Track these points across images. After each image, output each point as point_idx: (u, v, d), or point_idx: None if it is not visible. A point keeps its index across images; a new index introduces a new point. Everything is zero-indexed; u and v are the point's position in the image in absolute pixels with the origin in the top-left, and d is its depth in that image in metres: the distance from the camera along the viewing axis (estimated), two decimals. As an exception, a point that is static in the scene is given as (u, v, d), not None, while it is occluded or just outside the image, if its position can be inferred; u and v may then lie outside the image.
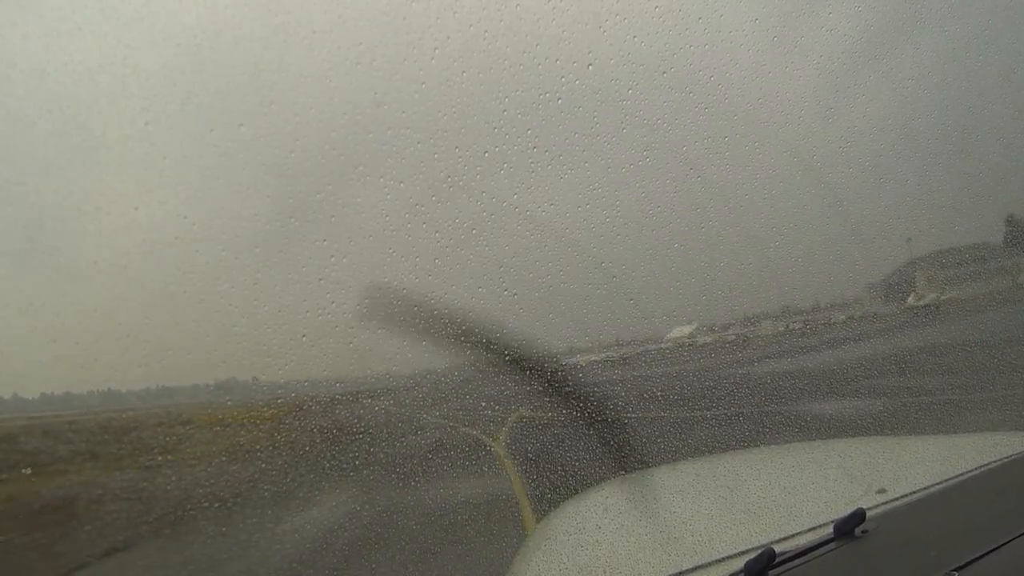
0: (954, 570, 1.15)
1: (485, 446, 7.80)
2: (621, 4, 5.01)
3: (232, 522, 4.96)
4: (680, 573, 1.39)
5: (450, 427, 9.02)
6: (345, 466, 6.41)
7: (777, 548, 1.30)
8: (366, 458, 6.47)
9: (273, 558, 4.52)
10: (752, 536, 1.50)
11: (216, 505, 5.37)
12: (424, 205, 4.78)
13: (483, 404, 9.72)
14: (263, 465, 6.40)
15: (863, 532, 1.37)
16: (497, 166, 4.80)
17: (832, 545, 1.34)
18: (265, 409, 5.79)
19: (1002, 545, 1.22)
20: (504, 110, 4.64)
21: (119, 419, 8.05)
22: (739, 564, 1.31)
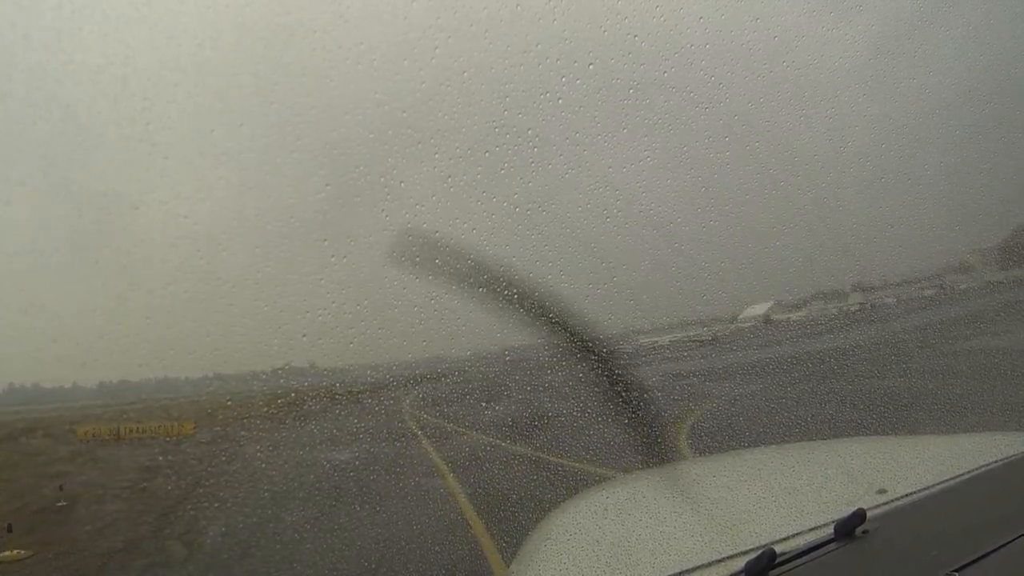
0: (954, 571, 1.15)
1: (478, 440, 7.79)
2: (621, 4, 5.01)
3: (233, 523, 4.96)
4: (680, 573, 1.39)
5: (448, 428, 9.02)
6: (345, 466, 6.42)
7: (778, 548, 1.29)
8: (366, 457, 6.48)
9: (274, 557, 4.52)
10: (752, 536, 1.50)
11: (216, 505, 5.37)
12: (425, 205, 4.77)
13: (483, 404, 9.73)
14: (263, 465, 6.40)
15: (863, 532, 1.36)
16: (498, 166, 4.79)
17: (833, 545, 1.34)
18: (265, 407, 5.79)
19: (1002, 546, 1.22)
20: (505, 110, 4.64)
21: (119, 417, 8.07)
22: (739, 564, 1.31)
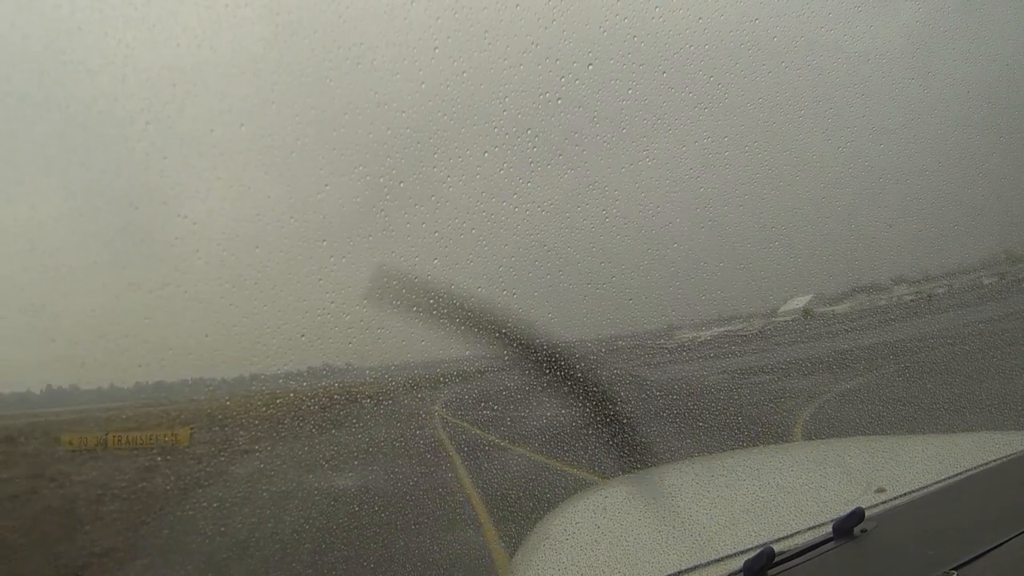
0: (953, 569, 1.15)
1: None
2: (621, 4, 5.01)
3: (231, 521, 4.96)
4: (680, 573, 1.39)
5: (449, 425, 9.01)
6: (343, 466, 6.42)
7: (776, 547, 1.30)
8: (364, 457, 6.48)
9: (274, 557, 4.52)
10: (751, 535, 1.50)
11: (215, 504, 5.36)
12: (424, 205, 4.78)
13: (481, 404, 9.73)
14: (261, 465, 6.40)
15: (862, 531, 1.37)
16: (497, 166, 4.80)
17: (831, 544, 1.34)
18: (264, 408, 5.79)
19: (1001, 544, 1.22)
20: (504, 110, 4.65)
21: (118, 417, 8.04)
22: (738, 563, 1.31)
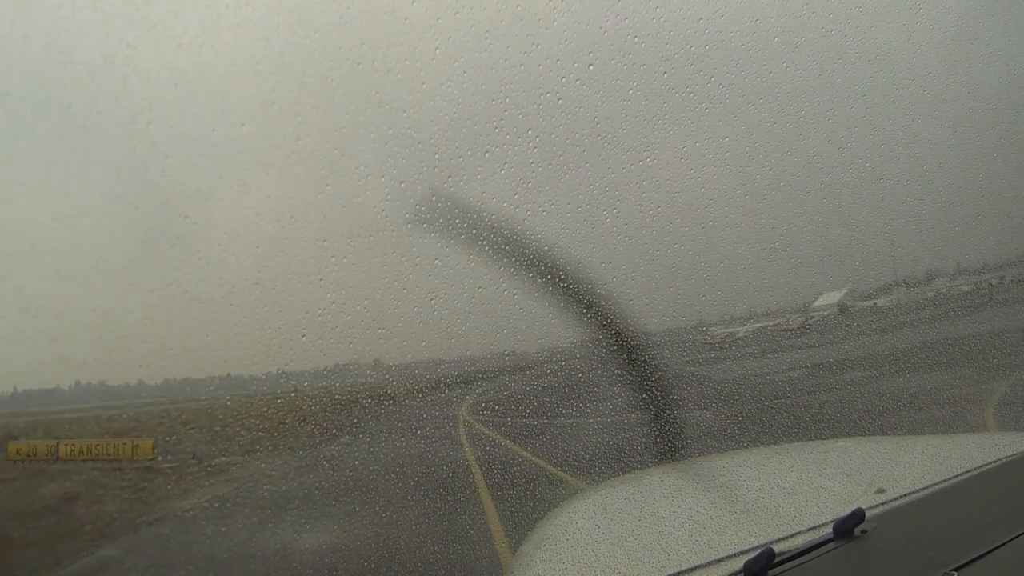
0: (953, 570, 1.16)
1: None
2: (621, 4, 5.02)
3: (232, 522, 4.96)
4: (680, 573, 1.39)
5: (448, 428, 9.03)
6: (344, 466, 6.42)
7: (776, 548, 1.30)
8: (365, 457, 6.48)
9: (273, 558, 4.52)
10: (751, 536, 1.50)
11: (216, 505, 5.37)
12: (424, 205, 4.78)
13: (482, 404, 9.74)
14: (262, 465, 6.40)
15: (862, 532, 1.37)
16: (498, 166, 4.80)
17: (831, 545, 1.35)
18: (265, 408, 5.79)
19: (1001, 545, 1.23)
20: (505, 110, 4.65)
21: (119, 418, 8.04)
22: (739, 564, 1.31)
